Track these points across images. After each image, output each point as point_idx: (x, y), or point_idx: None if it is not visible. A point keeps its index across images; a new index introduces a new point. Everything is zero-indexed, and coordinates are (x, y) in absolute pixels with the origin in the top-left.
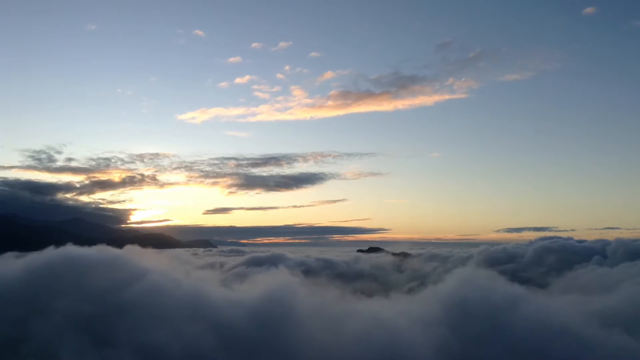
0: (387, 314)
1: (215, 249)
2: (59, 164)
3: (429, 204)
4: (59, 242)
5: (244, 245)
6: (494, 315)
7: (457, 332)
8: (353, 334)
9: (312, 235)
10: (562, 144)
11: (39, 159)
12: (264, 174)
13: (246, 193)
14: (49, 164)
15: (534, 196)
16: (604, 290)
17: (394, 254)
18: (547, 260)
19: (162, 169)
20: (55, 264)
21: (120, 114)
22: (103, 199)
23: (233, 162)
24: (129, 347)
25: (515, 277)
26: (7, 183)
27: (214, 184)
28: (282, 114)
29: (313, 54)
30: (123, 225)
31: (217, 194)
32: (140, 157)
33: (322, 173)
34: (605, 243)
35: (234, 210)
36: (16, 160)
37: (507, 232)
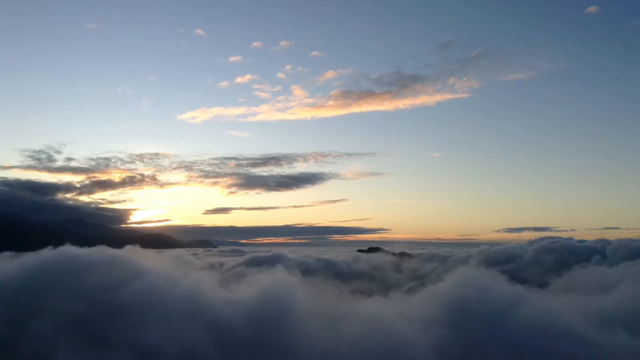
0: (387, 314)
1: (215, 249)
2: (59, 163)
3: (429, 204)
4: (59, 242)
5: (244, 245)
6: (493, 315)
7: (456, 332)
8: (352, 334)
9: (312, 235)
10: (562, 144)
11: (38, 159)
12: (264, 173)
13: (246, 193)
14: (49, 164)
15: (534, 196)
16: (603, 290)
17: (393, 254)
18: (547, 260)
19: (162, 169)
20: (52, 264)
21: (120, 113)
22: (103, 199)
23: (233, 162)
24: (125, 348)
25: (515, 277)
26: (7, 183)
27: (214, 184)
28: (282, 114)
29: (314, 53)
30: (123, 225)
31: (217, 194)
32: (140, 157)
33: (322, 173)
34: (605, 243)
35: (234, 210)
36: (16, 160)
37: (507, 232)
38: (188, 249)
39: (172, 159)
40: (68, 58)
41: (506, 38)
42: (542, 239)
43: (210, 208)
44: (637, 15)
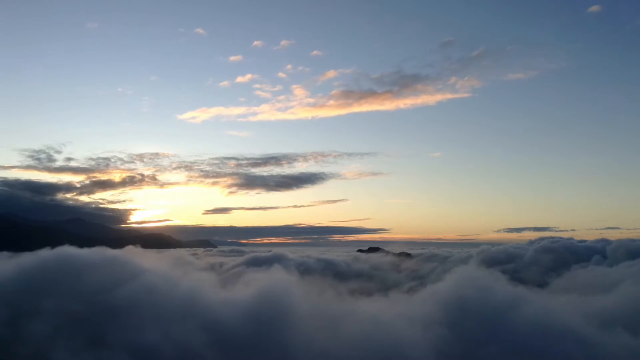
0: (387, 314)
1: (215, 249)
2: (59, 163)
3: (429, 204)
4: (59, 242)
5: (244, 245)
6: (493, 315)
7: (456, 331)
8: (351, 334)
9: (312, 235)
10: (563, 143)
11: (38, 159)
12: (264, 173)
13: (246, 193)
14: (49, 164)
15: (534, 196)
16: (603, 290)
17: (393, 254)
18: (547, 260)
19: (162, 169)
20: (49, 264)
21: (120, 113)
22: (103, 199)
23: (233, 161)
24: (122, 348)
25: (515, 277)
26: (7, 183)
27: (214, 183)
28: (283, 114)
29: (315, 52)
30: (123, 225)
31: (217, 194)
32: (140, 157)
33: (323, 173)
34: (605, 243)
35: (234, 210)
36: (16, 160)
37: (507, 232)
38: (188, 249)
39: (172, 159)
40: (68, 58)
41: (507, 38)
42: (542, 239)
43: (210, 208)
44: (639, 15)
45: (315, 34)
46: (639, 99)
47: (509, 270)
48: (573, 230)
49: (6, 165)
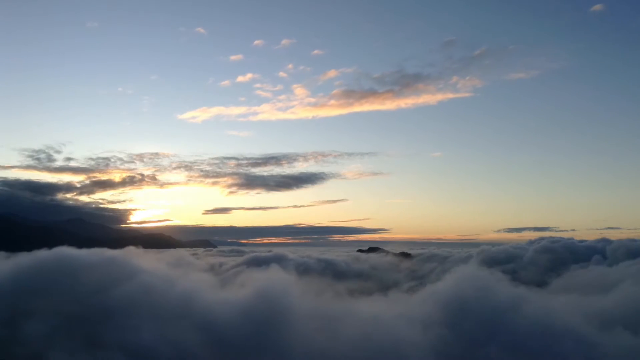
0: (386, 314)
1: (215, 249)
2: (59, 163)
3: (429, 204)
4: (59, 242)
5: (244, 245)
6: (493, 315)
7: (456, 331)
8: (351, 334)
9: (312, 235)
10: (563, 143)
11: (38, 159)
12: (265, 173)
13: (246, 193)
14: (49, 164)
15: (535, 196)
16: (603, 290)
17: (394, 254)
18: (547, 260)
19: (162, 169)
20: (46, 264)
21: (121, 113)
22: (103, 199)
23: (233, 161)
24: (119, 348)
25: (515, 277)
26: (7, 183)
27: (214, 183)
28: (283, 113)
29: (316, 52)
30: (123, 226)
31: (217, 194)
32: (140, 157)
33: (323, 173)
34: (605, 243)
35: (234, 210)
36: (16, 160)
37: (508, 232)
38: (188, 249)
39: (172, 159)
40: (68, 57)
41: (509, 37)
42: (542, 239)
43: (210, 208)
44: None
45: (316, 33)
46: None
47: (509, 270)
48: (573, 230)
49: (6, 165)
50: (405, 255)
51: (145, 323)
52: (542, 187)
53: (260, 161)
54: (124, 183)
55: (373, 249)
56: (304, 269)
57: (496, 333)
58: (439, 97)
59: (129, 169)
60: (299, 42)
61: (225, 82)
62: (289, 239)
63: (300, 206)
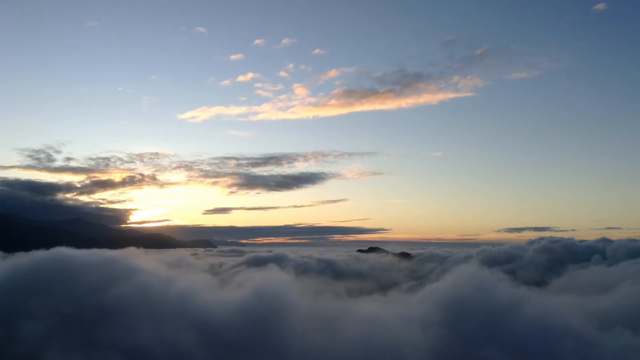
0: (386, 314)
1: (215, 249)
2: (59, 163)
3: (430, 203)
4: (59, 242)
5: (244, 245)
6: (493, 315)
7: (455, 331)
8: (350, 334)
9: (312, 235)
10: (564, 143)
11: (38, 159)
12: (265, 173)
13: (246, 193)
14: (49, 164)
15: (535, 196)
16: (603, 290)
17: (394, 254)
18: (547, 260)
19: (162, 169)
20: (43, 265)
21: (121, 112)
22: (103, 199)
23: (233, 161)
24: (115, 348)
25: (515, 277)
26: (7, 183)
27: (214, 183)
28: (284, 113)
29: (316, 51)
30: (123, 225)
31: (217, 194)
32: (140, 157)
33: (323, 173)
34: (605, 243)
35: (234, 210)
36: (16, 160)
37: (508, 232)
38: (188, 249)
39: (172, 159)
40: (68, 56)
41: (511, 36)
42: (542, 238)
43: (210, 208)
44: None
45: (317, 33)
46: None
47: (508, 270)
48: (573, 230)
49: (6, 165)
50: (405, 255)
51: (142, 323)
52: (542, 187)
53: (260, 161)
54: (124, 183)
55: (373, 249)
56: (303, 269)
57: (496, 333)
58: (440, 96)
59: (129, 169)
60: (300, 42)
61: (226, 82)
62: (289, 239)
63: (300, 206)
